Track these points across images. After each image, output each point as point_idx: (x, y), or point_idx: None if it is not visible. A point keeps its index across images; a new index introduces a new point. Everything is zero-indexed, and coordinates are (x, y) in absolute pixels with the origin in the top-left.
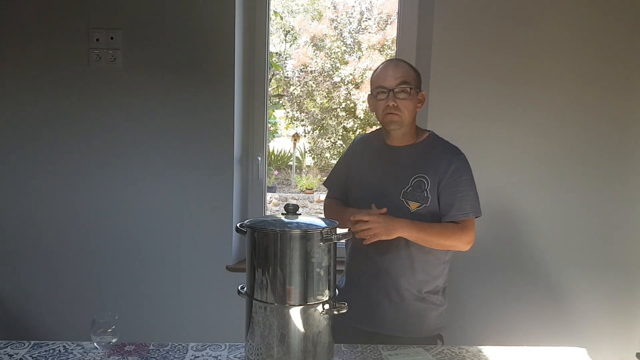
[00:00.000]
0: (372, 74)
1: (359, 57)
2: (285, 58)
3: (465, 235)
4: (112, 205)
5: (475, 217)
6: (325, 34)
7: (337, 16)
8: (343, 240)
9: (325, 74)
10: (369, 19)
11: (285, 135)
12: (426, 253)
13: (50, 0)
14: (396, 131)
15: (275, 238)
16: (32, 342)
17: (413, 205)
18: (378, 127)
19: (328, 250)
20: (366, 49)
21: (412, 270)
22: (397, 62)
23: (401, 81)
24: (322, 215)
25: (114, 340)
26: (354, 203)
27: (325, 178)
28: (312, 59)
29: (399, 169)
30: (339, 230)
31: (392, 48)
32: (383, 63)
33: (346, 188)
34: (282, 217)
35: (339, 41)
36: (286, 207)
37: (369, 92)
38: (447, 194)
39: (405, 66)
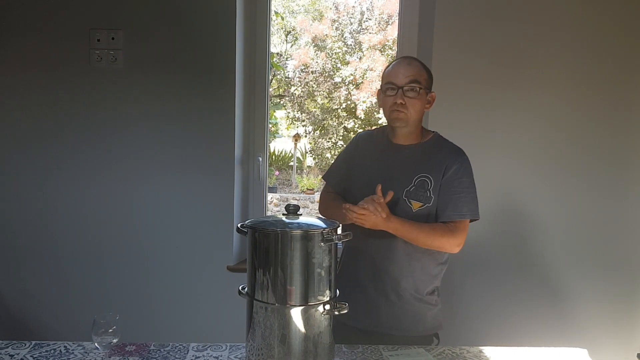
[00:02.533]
0: (384, 70)
1: (360, 58)
2: (286, 58)
3: (454, 238)
4: (112, 205)
5: (473, 220)
6: (326, 35)
7: (338, 17)
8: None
9: (326, 74)
10: (370, 19)
11: (286, 136)
12: (424, 254)
13: (50, 1)
14: (401, 129)
15: (276, 238)
16: (33, 342)
17: (415, 205)
18: (381, 125)
19: (329, 251)
20: (367, 49)
21: (410, 270)
22: (410, 61)
23: (411, 79)
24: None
25: (114, 341)
26: (354, 199)
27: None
28: (313, 59)
29: (402, 168)
30: (340, 231)
31: (393, 48)
32: (397, 59)
33: (346, 182)
34: (283, 218)
35: (340, 41)
36: (287, 207)
37: (379, 87)
38: (445, 193)
39: (418, 65)
